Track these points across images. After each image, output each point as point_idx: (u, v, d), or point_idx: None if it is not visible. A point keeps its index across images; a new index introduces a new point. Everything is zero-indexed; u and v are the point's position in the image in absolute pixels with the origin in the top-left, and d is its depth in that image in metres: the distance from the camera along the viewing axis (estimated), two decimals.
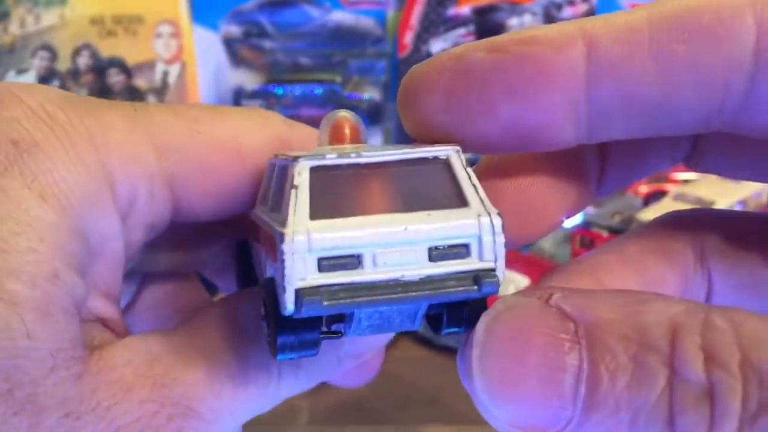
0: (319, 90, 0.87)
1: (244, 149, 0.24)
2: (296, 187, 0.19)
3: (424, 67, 0.21)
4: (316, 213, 0.19)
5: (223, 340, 0.23)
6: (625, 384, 0.16)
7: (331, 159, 0.20)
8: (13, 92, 0.22)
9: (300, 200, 0.19)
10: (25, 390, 0.19)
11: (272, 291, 0.19)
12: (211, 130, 0.24)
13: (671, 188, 0.87)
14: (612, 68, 0.19)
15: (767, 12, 0.18)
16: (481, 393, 0.18)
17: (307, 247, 0.18)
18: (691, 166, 0.24)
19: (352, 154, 0.20)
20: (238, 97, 0.86)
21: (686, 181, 0.86)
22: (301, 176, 0.19)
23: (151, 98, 0.87)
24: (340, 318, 0.21)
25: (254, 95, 0.87)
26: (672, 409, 0.16)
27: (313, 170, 0.19)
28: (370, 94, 0.88)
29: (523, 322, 0.18)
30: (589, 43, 0.19)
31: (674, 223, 0.24)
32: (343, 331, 0.21)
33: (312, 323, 0.20)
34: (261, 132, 0.25)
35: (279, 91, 0.87)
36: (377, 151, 0.20)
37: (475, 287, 0.19)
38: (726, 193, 0.77)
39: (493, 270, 0.19)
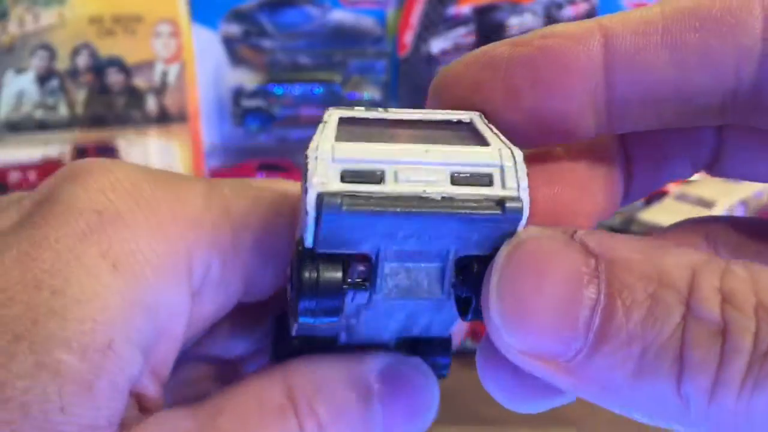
0: (318, 89, 0.87)
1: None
2: (324, 122, 0.20)
3: (452, 64, 0.22)
4: (341, 138, 0.19)
5: (252, 419, 0.22)
6: (640, 318, 0.16)
7: (359, 112, 0.21)
8: (103, 164, 0.22)
9: (327, 130, 0.19)
10: None
11: (299, 248, 0.19)
12: (269, 197, 0.24)
13: (672, 188, 0.87)
14: (627, 57, 0.20)
15: None
16: (495, 318, 0.18)
17: (330, 156, 0.18)
18: (713, 172, 0.25)
19: (379, 109, 0.21)
20: (238, 97, 0.87)
21: (687, 181, 0.86)
22: (330, 117, 0.20)
23: (150, 98, 0.87)
24: (362, 283, 0.20)
25: (254, 95, 0.87)
26: (683, 344, 0.16)
27: (342, 119, 0.20)
28: (370, 93, 0.88)
29: (545, 252, 0.18)
30: (606, 34, 0.20)
31: (690, 227, 0.25)
32: (368, 289, 0.20)
33: (335, 287, 0.20)
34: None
35: (279, 90, 0.87)
36: (403, 113, 0.21)
37: (499, 210, 0.18)
38: (727, 193, 0.77)
39: (517, 197, 0.19)
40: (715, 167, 0.25)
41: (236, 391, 0.23)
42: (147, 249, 0.21)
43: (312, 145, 0.19)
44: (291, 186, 0.25)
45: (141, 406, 0.22)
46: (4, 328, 0.19)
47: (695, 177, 0.83)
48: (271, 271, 0.24)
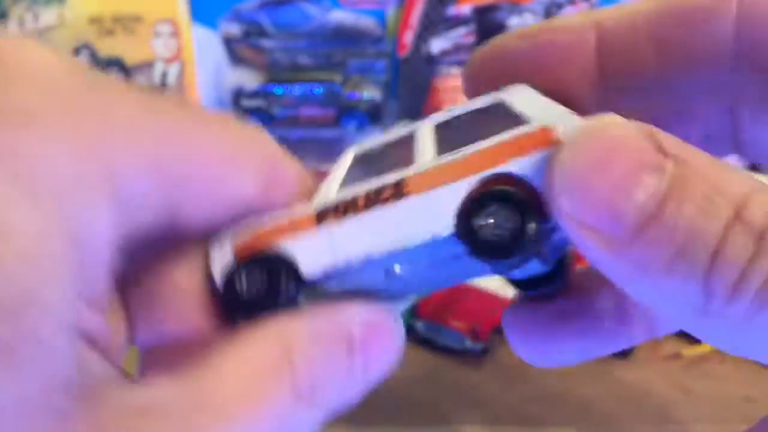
0: (318, 89, 0.88)
1: (247, 162, 0.24)
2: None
3: (471, 56, 0.27)
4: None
5: (251, 383, 0.21)
6: (691, 212, 0.18)
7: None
8: (19, 50, 0.19)
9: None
10: None
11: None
12: (218, 137, 0.23)
13: None
14: (617, 50, 0.23)
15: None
16: (555, 177, 0.19)
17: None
18: (743, 152, 0.26)
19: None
20: (238, 97, 0.87)
21: None
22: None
23: None
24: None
25: (254, 95, 0.87)
26: (722, 241, 0.17)
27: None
28: (370, 93, 0.88)
29: (621, 135, 0.19)
30: (599, 25, 0.23)
31: None
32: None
33: None
34: (262, 149, 0.25)
35: (279, 90, 0.87)
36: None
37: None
38: None
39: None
40: (741, 146, 0.26)
41: (230, 356, 0.21)
42: (68, 165, 0.18)
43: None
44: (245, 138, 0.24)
45: (99, 348, 0.20)
46: None
47: None
48: (209, 211, 0.23)
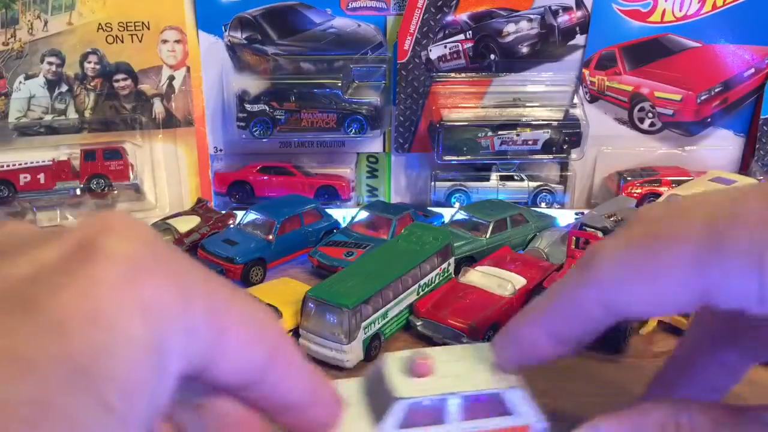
0: (320, 95, 0.89)
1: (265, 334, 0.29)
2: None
3: None
4: None
5: None
6: None
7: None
8: (128, 221, 0.26)
9: None
10: None
11: None
12: (246, 319, 0.28)
13: (664, 190, 0.88)
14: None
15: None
16: None
17: None
18: None
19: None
20: (242, 102, 0.88)
21: (679, 183, 0.88)
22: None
23: (157, 102, 0.88)
24: None
25: (257, 100, 0.88)
26: None
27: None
28: (371, 98, 0.90)
29: None
30: None
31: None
32: None
33: None
34: (273, 329, 0.29)
35: (281, 95, 0.88)
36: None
37: None
38: None
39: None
40: None
41: None
42: (166, 299, 0.24)
43: None
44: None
45: None
46: (66, 360, 0.21)
47: (687, 178, 0.84)
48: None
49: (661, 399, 0.35)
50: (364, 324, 0.60)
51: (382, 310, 0.63)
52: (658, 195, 0.87)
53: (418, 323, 0.65)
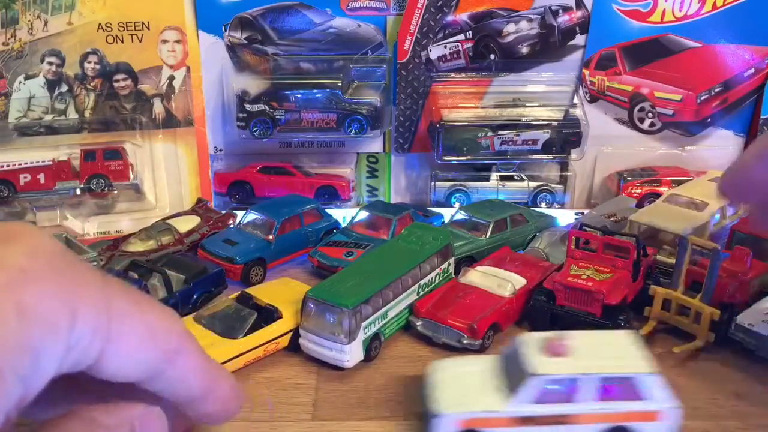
0: (320, 94, 0.89)
1: (162, 335, 0.31)
2: None
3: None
4: None
5: None
6: None
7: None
8: (29, 231, 0.28)
9: None
10: None
11: None
12: (141, 315, 0.30)
13: (664, 190, 0.88)
14: None
15: None
16: None
17: None
18: None
19: None
20: (242, 102, 0.88)
21: (679, 183, 0.88)
22: None
23: (157, 103, 0.88)
24: None
25: (257, 100, 0.88)
26: None
27: None
28: (371, 98, 0.90)
29: None
30: None
31: None
32: None
33: None
34: (172, 328, 0.32)
35: (281, 95, 0.88)
36: None
37: None
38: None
39: None
40: None
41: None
42: (47, 306, 0.26)
43: None
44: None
45: None
46: None
47: (687, 178, 0.84)
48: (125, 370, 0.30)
49: None
50: (364, 324, 0.60)
51: (382, 310, 0.63)
52: (658, 195, 0.87)
53: (418, 323, 0.65)
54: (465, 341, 0.63)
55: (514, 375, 0.47)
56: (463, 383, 0.50)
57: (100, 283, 0.29)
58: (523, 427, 0.46)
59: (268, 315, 0.63)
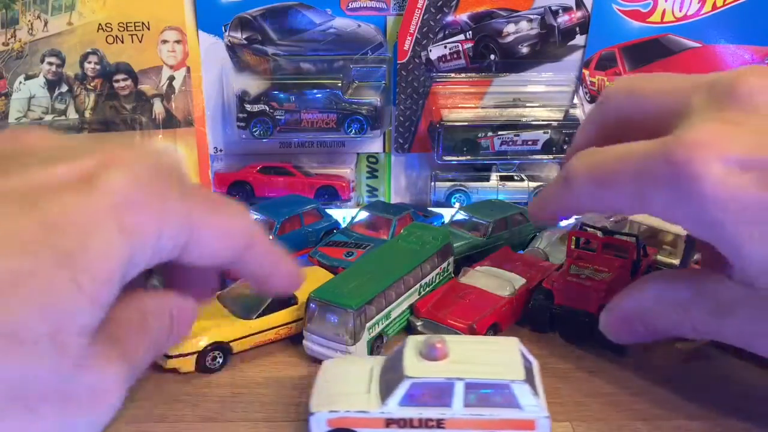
0: (320, 95, 0.89)
1: (235, 234, 0.38)
2: None
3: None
4: None
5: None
6: None
7: None
8: (131, 158, 0.33)
9: None
10: None
11: None
12: (220, 217, 0.37)
13: None
14: None
15: None
16: None
17: None
18: None
19: None
20: (242, 102, 0.88)
21: None
22: None
23: (157, 103, 0.89)
24: None
25: (257, 100, 0.88)
26: None
27: None
28: (371, 98, 0.90)
29: None
30: None
31: None
32: None
33: None
34: (243, 228, 0.39)
35: (281, 95, 0.88)
36: None
37: None
38: None
39: None
40: None
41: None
42: (142, 226, 0.32)
43: None
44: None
45: None
46: (53, 248, 0.29)
47: None
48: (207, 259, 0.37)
49: (647, 276, 0.53)
50: (368, 325, 0.60)
51: (386, 311, 0.63)
52: None
53: (418, 323, 0.65)
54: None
55: (391, 376, 0.47)
56: (342, 383, 0.50)
57: (184, 197, 0.35)
58: (393, 430, 0.46)
59: (283, 299, 0.63)
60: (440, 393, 0.45)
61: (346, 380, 0.50)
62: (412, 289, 0.66)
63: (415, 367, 0.46)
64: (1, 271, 0.28)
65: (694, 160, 0.39)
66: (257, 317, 0.62)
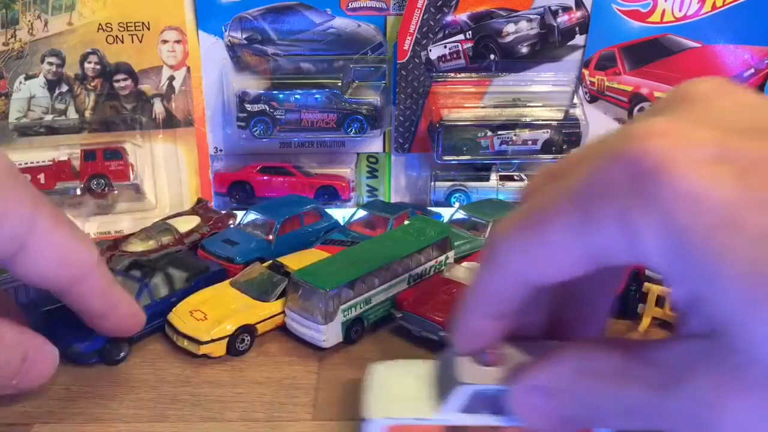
0: (320, 95, 0.89)
1: (70, 260, 0.39)
2: None
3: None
4: None
5: None
6: None
7: None
8: None
9: None
10: None
11: None
12: (60, 240, 0.39)
13: None
14: None
15: None
16: None
17: None
18: None
19: None
20: (242, 102, 0.88)
21: None
22: None
23: (157, 103, 0.89)
24: None
25: (257, 100, 0.88)
26: None
27: None
28: (371, 98, 0.90)
29: None
30: None
31: None
32: None
33: None
34: (81, 256, 0.40)
35: (281, 95, 0.89)
36: None
37: None
38: None
39: None
40: None
41: None
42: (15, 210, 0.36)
43: None
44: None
45: None
46: None
47: None
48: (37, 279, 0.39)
49: (564, 344, 0.38)
50: (343, 307, 0.62)
51: (365, 296, 0.64)
52: None
53: (398, 315, 0.65)
54: (442, 335, 0.63)
55: (445, 382, 0.46)
56: (396, 388, 0.49)
57: (34, 200, 0.36)
58: None
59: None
60: (499, 400, 0.44)
61: (399, 386, 0.49)
62: (400, 278, 0.67)
63: (470, 373, 0.44)
64: None
65: (651, 150, 0.29)
66: (276, 299, 0.66)
